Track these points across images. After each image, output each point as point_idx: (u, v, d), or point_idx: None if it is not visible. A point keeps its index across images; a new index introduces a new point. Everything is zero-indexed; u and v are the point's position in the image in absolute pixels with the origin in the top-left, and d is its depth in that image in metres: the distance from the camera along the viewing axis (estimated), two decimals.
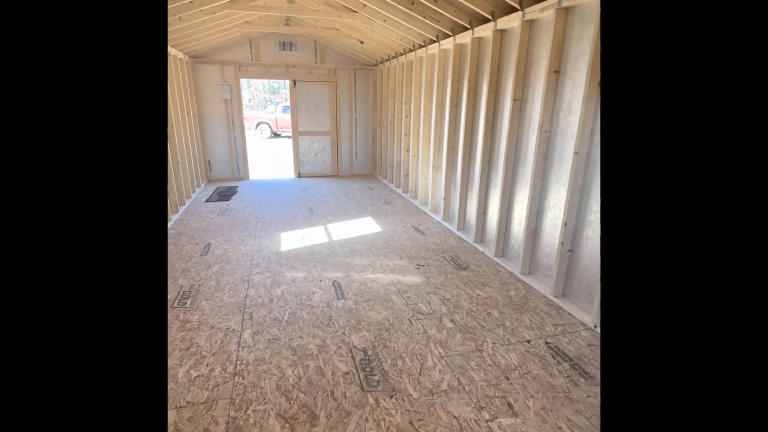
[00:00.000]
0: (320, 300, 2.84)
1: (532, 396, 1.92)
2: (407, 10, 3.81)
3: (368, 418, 1.77)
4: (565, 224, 2.69)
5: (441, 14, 3.86)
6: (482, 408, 1.84)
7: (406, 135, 5.78)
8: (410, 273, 3.31)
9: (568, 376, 2.06)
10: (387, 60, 6.30)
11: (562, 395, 1.92)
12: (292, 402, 1.87)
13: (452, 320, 2.59)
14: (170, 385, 1.96)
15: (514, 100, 3.20)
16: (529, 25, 3.04)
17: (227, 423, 1.74)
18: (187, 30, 4.61)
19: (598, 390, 1.96)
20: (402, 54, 5.56)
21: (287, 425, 1.73)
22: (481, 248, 3.86)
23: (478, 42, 3.74)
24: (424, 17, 3.86)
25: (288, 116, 14.83)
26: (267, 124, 15.77)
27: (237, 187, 6.59)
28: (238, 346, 2.28)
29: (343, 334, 2.42)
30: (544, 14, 2.81)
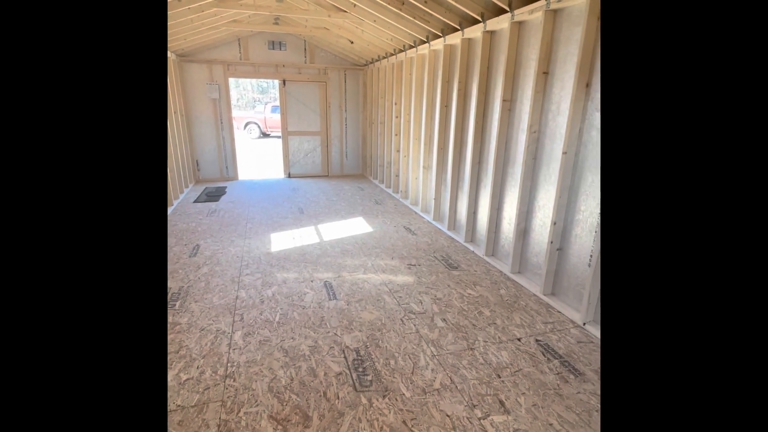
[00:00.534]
0: (312, 301, 2.83)
1: (524, 393, 1.94)
2: (397, 11, 3.82)
3: (361, 418, 1.77)
4: (554, 223, 2.73)
5: (431, 15, 3.88)
6: (475, 406, 1.85)
7: (396, 135, 5.79)
8: (402, 273, 3.32)
9: (558, 373, 2.09)
10: (377, 60, 6.30)
11: (553, 392, 1.95)
12: (285, 403, 1.85)
13: (444, 319, 2.60)
14: None
15: (504, 100, 3.24)
16: (518, 26, 3.08)
17: (219, 426, 1.72)
18: (174, 28, 4.55)
19: (587, 386, 1.99)
20: (392, 54, 5.57)
21: (280, 427, 1.72)
22: (471, 248, 3.89)
23: (468, 43, 3.77)
24: (414, 18, 3.88)
25: (277, 116, 14.73)
26: (256, 124, 15.64)
27: (226, 187, 6.52)
28: (229, 348, 2.26)
29: (335, 334, 2.42)
30: (533, 16, 2.85)
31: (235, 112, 15.62)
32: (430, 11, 3.59)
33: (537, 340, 2.38)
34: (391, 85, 5.80)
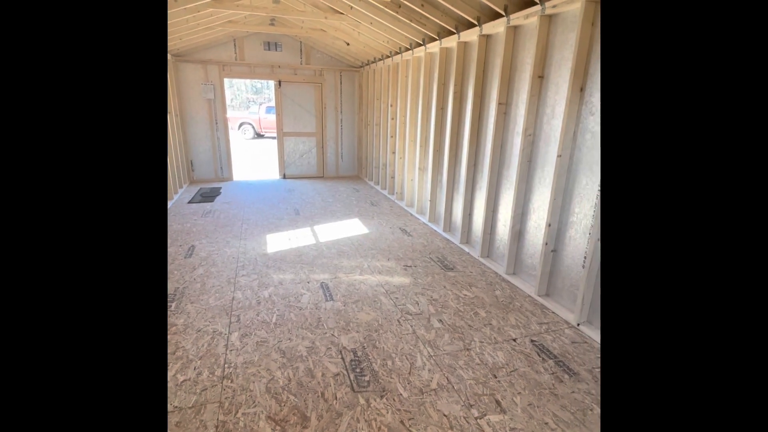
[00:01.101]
0: (308, 302, 2.84)
1: (519, 393, 1.96)
2: (394, 14, 3.84)
3: (359, 419, 1.78)
4: (549, 225, 2.77)
5: (427, 18, 3.91)
6: (471, 406, 1.87)
7: (392, 137, 5.81)
8: (398, 274, 3.34)
9: (553, 373, 2.11)
10: (373, 62, 6.32)
11: (548, 391, 1.98)
12: (283, 404, 1.86)
13: (440, 320, 2.62)
14: None
15: (500, 103, 3.27)
16: (514, 31, 3.12)
17: (216, 427, 1.72)
18: (170, 28, 4.53)
19: (582, 386, 2.02)
20: (388, 56, 5.59)
21: (278, 428, 1.73)
22: (467, 249, 3.92)
23: (464, 46, 3.81)
24: (411, 21, 3.90)
25: (272, 117, 14.68)
26: (250, 124, 15.57)
27: (221, 188, 6.49)
28: (226, 349, 2.26)
29: (333, 335, 2.43)
30: (528, 21, 2.89)
31: (229, 113, 15.52)
32: (427, 14, 3.62)
33: (532, 341, 2.41)
34: (387, 88, 5.82)
